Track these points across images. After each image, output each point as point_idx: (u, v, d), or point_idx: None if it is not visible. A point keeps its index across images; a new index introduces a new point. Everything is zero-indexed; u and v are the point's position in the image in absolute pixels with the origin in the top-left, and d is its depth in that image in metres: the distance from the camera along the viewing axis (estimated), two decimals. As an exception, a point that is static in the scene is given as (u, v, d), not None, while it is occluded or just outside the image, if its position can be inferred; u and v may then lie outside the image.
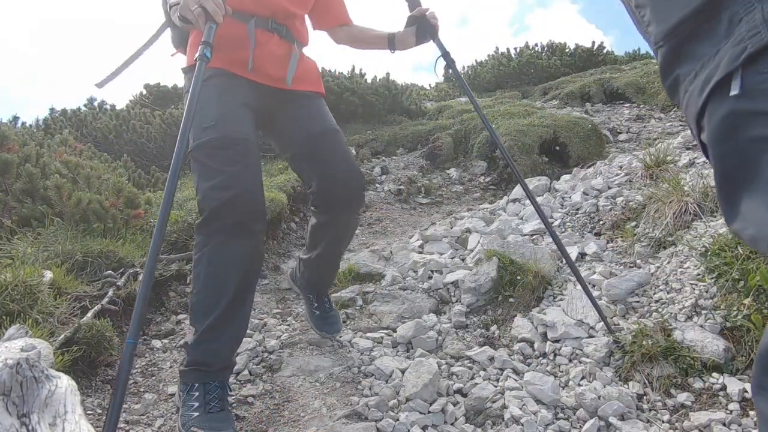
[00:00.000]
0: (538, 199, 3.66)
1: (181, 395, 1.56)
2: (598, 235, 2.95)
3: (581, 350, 2.00)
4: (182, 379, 1.58)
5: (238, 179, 1.60)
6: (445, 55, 2.19)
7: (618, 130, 6.13)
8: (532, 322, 2.23)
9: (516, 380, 1.88)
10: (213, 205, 1.57)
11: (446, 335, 2.28)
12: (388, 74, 8.25)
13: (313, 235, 2.07)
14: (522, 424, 1.63)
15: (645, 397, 1.72)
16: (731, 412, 1.57)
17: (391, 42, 2.16)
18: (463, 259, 3.01)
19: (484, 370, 1.99)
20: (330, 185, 1.85)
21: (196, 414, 1.47)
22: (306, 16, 2.11)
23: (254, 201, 1.63)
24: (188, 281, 2.89)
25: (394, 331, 2.38)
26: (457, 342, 2.23)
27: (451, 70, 2.24)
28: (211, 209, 1.58)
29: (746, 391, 1.61)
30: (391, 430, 1.65)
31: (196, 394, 1.52)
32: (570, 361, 1.98)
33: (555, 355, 2.03)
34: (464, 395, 1.85)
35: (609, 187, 3.41)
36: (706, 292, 1.99)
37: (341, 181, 1.86)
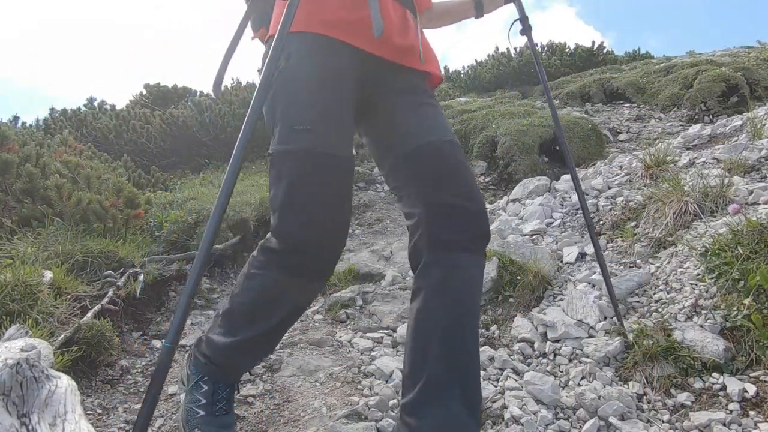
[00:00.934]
0: (538, 200, 3.66)
1: (189, 376, 1.48)
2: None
3: (581, 350, 2.00)
4: (195, 363, 1.47)
5: (331, 218, 1.28)
6: (523, 19, 1.95)
7: (618, 130, 6.13)
8: (532, 322, 2.23)
9: (516, 380, 1.88)
10: (294, 241, 1.28)
11: (446, 335, 2.28)
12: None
13: (420, 330, 1.27)
14: (522, 424, 1.63)
15: (645, 397, 1.72)
16: (731, 412, 1.57)
17: (479, 6, 1.80)
18: (463, 259, 3.01)
19: (484, 370, 1.99)
20: (443, 211, 1.30)
21: (201, 413, 1.41)
22: None
23: (339, 246, 1.34)
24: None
25: (394, 331, 2.38)
26: (457, 342, 2.22)
27: (526, 38, 2.01)
28: (292, 245, 1.29)
29: (746, 391, 1.61)
30: (391, 430, 1.65)
31: (205, 387, 1.43)
32: (570, 361, 1.98)
33: (555, 355, 2.03)
34: (464, 395, 1.85)
35: (609, 187, 3.41)
36: (706, 292, 1.99)
37: (460, 207, 1.30)
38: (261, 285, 1.37)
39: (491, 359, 2.04)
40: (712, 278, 1.98)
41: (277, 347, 2.27)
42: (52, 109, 7.09)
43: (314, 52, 1.33)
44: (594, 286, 2.37)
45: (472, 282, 1.30)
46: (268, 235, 1.33)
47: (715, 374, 1.71)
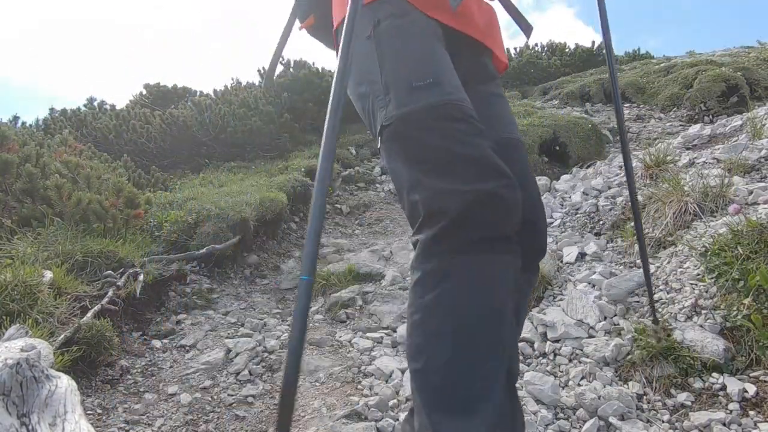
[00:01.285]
0: (538, 199, 3.66)
1: None
2: (598, 235, 2.95)
3: (581, 350, 2.00)
4: None
5: (499, 163, 1.00)
6: None
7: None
8: (532, 322, 2.22)
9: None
10: (467, 200, 0.93)
11: (446, 335, 2.28)
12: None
13: None
14: (522, 424, 1.63)
15: (645, 397, 1.72)
16: (731, 411, 1.57)
17: None
18: (463, 259, 3.01)
19: (484, 370, 1.99)
20: (524, 227, 1.10)
21: None
22: None
23: (518, 189, 1.01)
24: (188, 281, 2.89)
25: (394, 331, 2.38)
26: (457, 342, 2.23)
27: None
28: (467, 208, 0.93)
29: (746, 391, 1.61)
30: (391, 430, 1.65)
31: None
32: (570, 361, 1.98)
33: (555, 355, 2.03)
34: (464, 395, 1.85)
35: (609, 187, 3.41)
36: (706, 292, 1.99)
37: (529, 222, 1.14)
38: (455, 303, 0.93)
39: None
40: (712, 278, 1.97)
41: (277, 347, 2.27)
42: (52, 109, 7.08)
43: (406, 11, 1.16)
44: (594, 286, 2.37)
45: (523, 306, 1.13)
46: (424, 232, 0.97)
47: (715, 374, 1.71)
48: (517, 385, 1.03)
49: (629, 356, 1.87)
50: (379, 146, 1.11)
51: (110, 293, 2.30)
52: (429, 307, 0.94)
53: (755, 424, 1.51)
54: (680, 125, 5.88)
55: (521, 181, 1.09)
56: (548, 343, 2.09)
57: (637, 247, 2.59)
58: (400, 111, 1.05)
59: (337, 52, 1.20)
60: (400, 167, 1.04)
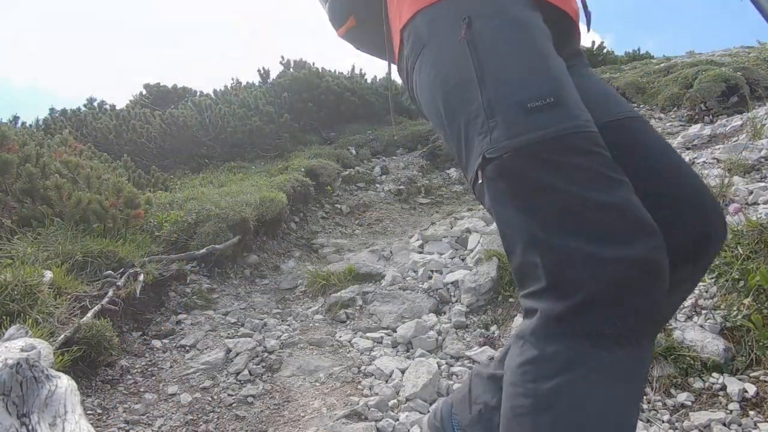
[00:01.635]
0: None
1: None
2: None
3: (581, 350, 2.00)
4: None
5: (644, 213, 0.79)
6: None
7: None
8: (532, 322, 2.23)
9: (516, 380, 1.88)
10: (610, 273, 0.74)
11: (446, 335, 2.28)
12: (388, 74, 8.24)
13: None
14: (522, 424, 1.63)
15: (645, 397, 1.72)
16: (731, 411, 1.57)
17: None
18: (463, 259, 3.01)
19: (484, 370, 1.99)
20: (685, 208, 0.92)
21: None
22: None
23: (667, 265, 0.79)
24: (188, 281, 2.89)
25: (394, 331, 2.38)
26: (457, 342, 2.23)
27: None
28: (610, 284, 0.74)
29: (746, 391, 1.62)
30: (391, 430, 1.65)
31: None
32: (570, 361, 1.98)
33: (555, 355, 2.03)
34: (464, 395, 1.85)
35: (609, 187, 3.41)
36: (706, 292, 1.99)
37: (698, 203, 0.93)
38: (575, 403, 0.75)
39: (491, 359, 2.04)
40: (712, 278, 1.98)
41: (277, 347, 2.27)
42: (52, 109, 7.09)
43: (504, 4, 0.92)
44: (594, 286, 2.37)
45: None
46: (547, 302, 0.80)
47: (715, 374, 1.71)
48: None
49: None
50: (475, 181, 0.87)
51: (110, 293, 2.30)
52: (543, 398, 0.77)
53: (755, 424, 1.51)
54: (680, 125, 5.87)
55: (661, 153, 0.95)
56: (548, 343, 2.09)
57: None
58: (513, 141, 0.81)
59: (394, 57, 1.02)
60: (512, 215, 0.83)
